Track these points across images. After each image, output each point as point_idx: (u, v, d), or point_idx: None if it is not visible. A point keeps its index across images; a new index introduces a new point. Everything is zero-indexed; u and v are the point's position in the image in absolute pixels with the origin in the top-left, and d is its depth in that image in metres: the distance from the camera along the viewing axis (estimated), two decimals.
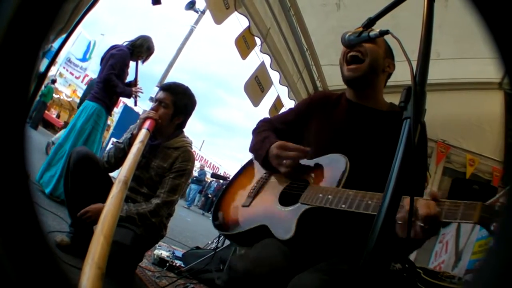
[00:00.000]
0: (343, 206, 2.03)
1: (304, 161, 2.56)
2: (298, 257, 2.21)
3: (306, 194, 2.29)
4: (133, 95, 6.51)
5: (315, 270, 2.04)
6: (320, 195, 2.18)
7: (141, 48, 6.50)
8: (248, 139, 2.96)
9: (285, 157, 2.48)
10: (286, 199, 2.41)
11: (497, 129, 7.81)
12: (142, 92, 6.60)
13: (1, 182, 0.81)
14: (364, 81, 2.57)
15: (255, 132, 2.91)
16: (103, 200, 2.47)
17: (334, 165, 2.35)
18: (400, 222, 1.80)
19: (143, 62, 6.68)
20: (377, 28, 2.02)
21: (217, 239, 5.98)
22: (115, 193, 2.50)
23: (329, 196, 2.13)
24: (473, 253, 6.06)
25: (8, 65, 0.82)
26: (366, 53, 2.50)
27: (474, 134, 7.98)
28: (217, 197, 3.01)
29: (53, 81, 24.78)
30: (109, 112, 6.44)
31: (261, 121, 3.02)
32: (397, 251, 2.09)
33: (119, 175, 2.80)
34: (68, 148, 5.94)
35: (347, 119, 2.62)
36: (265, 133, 2.78)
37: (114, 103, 6.56)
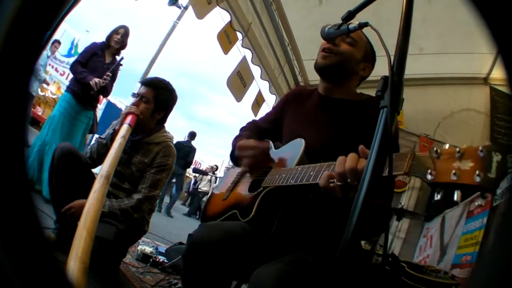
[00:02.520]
0: (291, 181, 2.12)
1: (272, 151, 2.70)
2: (260, 238, 2.34)
3: (267, 178, 2.42)
4: (93, 82, 6.29)
5: (277, 262, 2.08)
6: (277, 176, 2.29)
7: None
8: (231, 136, 3.03)
9: (247, 146, 2.60)
10: (254, 186, 2.53)
11: (482, 123, 7.88)
12: (104, 81, 6.37)
13: (1, 182, 0.81)
14: (334, 71, 2.58)
15: (240, 130, 3.03)
16: (86, 196, 2.47)
17: (292, 148, 2.45)
18: (330, 184, 1.82)
19: (118, 50, 6.72)
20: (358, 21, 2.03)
21: None
22: (97, 188, 2.51)
23: (283, 175, 2.23)
24: (458, 247, 6.08)
25: (9, 66, 0.82)
26: (339, 52, 2.52)
27: (458, 129, 8.04)
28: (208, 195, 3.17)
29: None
30: (78, 98, 6.36)
31: (249, 122, 3.12)
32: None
33: (101, 170, 2.80)
34: (44, 138, 6.13)
35: (316, 111, 2.67)
36: (247, 133, 2.91)
37: (84, 89, 6.36)
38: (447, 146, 1.34)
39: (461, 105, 7.90)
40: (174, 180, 15.46)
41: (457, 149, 1.29)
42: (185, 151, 14.60)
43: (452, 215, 6.92)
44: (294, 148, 2.42)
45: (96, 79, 6.27)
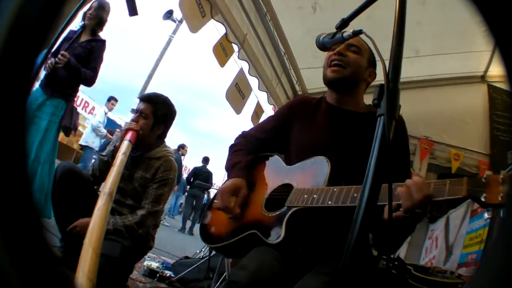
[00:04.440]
0: (330, 202, 2.08)
1: (287, 166, 2.64)
2: (290, 260, 2.24)
3: (291, 197, 2.33)
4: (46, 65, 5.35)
5: (318, 273, 2.08)
6: (305, 196, 2.23)
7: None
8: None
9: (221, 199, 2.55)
10: (272, 205, 2.44)
11: (481, 122, 7.90)
12: (59, 60, 5.31)
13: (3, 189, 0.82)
14: (345, 84, 2.61)
15: (231, 150, 2.95)
16: (90, 213, 2.48)
17: (316, 167, 2.39)
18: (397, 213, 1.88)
19: (96, 26, 5.93)
20: (356, 28, 2.03)
21: (205, 248, 5.99)
22: (101, 205, 2.51)
23: (315, 196, 2.17)
24: (464, 246, 6.08)
25: (9, 69, 0.83)
26: (348, 63, 2.54)
27: (458, 129, 8.06)
28: (204, 211, 3.03)
29: None
30: (43, 86, 5.53)
31: (238, 136, 3.04)
32: (392, 238, 2.14)
33: (104, 187, 2.81)
34: None
35: (328, 123, 2.65)
36: (238, 157, 2.82)
37: (47, 76, 5.48)
38: (489, 172, 1.55)
39: (460, 104, 7.91)
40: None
41: (501, 176, 1.56)
42: (205, 176, 16.05)
43: (456, 215, 6.92)
44: (318, 168, 2.37)
45: (51, 60, 5.32)
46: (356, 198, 1.98)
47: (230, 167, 2.77)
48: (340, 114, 2.65)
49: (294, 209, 2.26)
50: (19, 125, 0.85)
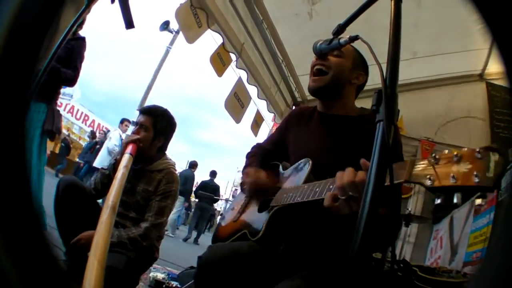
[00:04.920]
0: (298, 199, 2.19)
1: (281, 173, 2.82)
2: (274, 257, 2.38)
3: (276, 197, 2.49)
4: None
5: (290, 279, 2.15)
6: (285, 195, 2.36)
7: None
8: (234, 158, 3.10)
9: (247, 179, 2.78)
10: (264, 206, 2.60)
11: (481, 120, 7.88)
12: None
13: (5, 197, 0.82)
14: (328, 91, 2.64)
15: (247, 157, 3.12)
16: (94, 226, 2.49)
17: (299, 168, 2.53)
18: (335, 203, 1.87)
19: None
20: (355, 32, 2.04)
21: None
22: (104, 218, 2.53)
23: (290, 194, 2.30)
24: (469, 245, 6.10)
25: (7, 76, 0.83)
26: (330, 67, 2.57)
27: (458, 128, 8.05)
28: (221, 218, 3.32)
29: None
30: None
31: (254, 147, 3.22)
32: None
33: (106, 200, 2.82)
34: None
35: (319, 130, 2.72)
36: (251, 159, 3.03)
37: None
38: (446, 151, 1.35)
39: (459, 103, 7.94)
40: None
41: (455, 153, 1.30)
42: (212, 189, 16.66)
43: (460, 214, 6.93)
44: (302, 168, 2.49)
45: None
46: (317, 192, 2.06)
47: (244, 168, 2.96)
48: (329, 120, 2.70)
49: (275, 208, 2.41)
50: (19, 126, 0.86)
